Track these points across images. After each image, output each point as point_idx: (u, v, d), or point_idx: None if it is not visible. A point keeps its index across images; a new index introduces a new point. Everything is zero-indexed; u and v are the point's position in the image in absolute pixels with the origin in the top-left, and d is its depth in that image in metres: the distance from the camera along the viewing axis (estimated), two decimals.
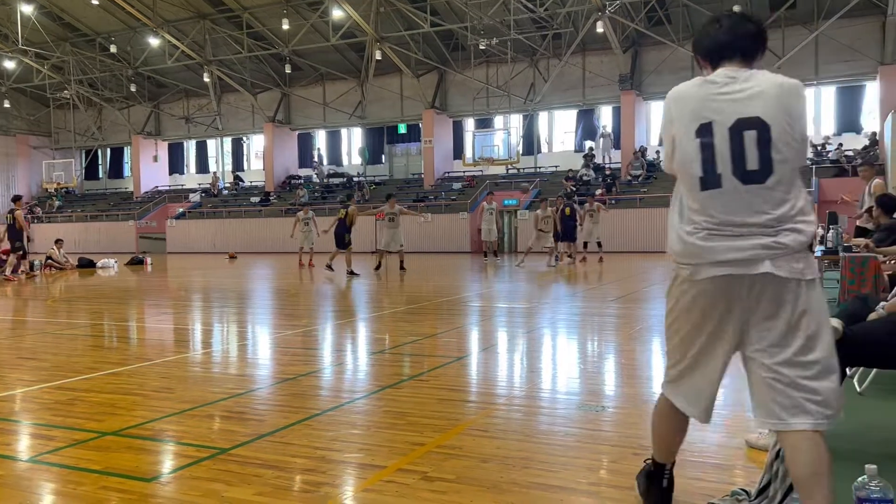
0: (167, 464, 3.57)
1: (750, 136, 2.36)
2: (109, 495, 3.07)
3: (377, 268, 16.97)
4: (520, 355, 6.54)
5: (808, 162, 25.96)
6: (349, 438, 3.84)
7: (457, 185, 30.99)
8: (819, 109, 27.83)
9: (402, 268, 16.94)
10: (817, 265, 2.51)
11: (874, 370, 4.43)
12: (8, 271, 16.70)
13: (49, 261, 20.20)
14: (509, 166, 30.88)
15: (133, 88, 34.60)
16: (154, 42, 31.48)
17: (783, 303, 2.33)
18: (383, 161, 35.06)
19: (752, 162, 2.36)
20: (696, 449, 3.43)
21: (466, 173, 31.68)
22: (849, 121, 27.18)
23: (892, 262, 6.41)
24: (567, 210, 19.24)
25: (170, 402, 4.67)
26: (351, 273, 15.57)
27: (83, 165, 41.66)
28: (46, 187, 39.25)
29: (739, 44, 2.54)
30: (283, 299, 12.03)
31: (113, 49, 32.02)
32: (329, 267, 16.77)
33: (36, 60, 33.64)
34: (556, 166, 30.66)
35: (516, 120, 31.54)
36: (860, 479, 2.43)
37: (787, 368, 2.32)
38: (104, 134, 39.06)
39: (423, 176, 32.36)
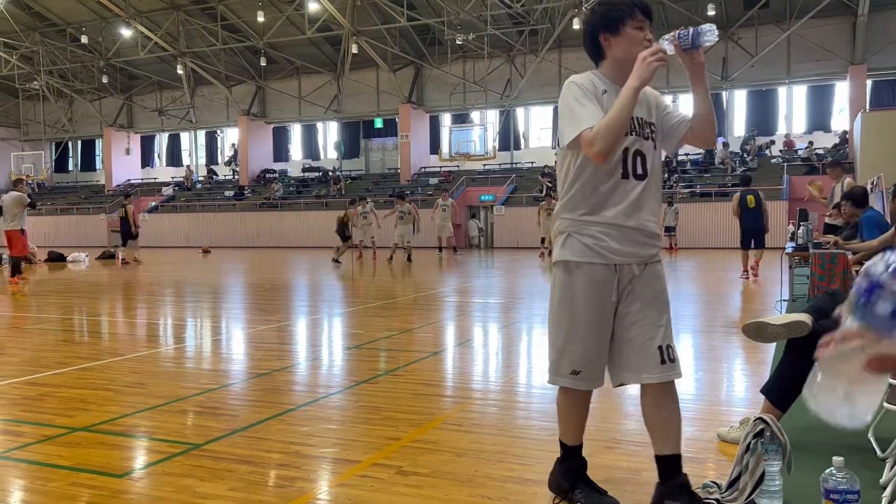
0: (139, 460, 3.53)
1: None
2: (80, 492, 3.03)
3: (389, 259, 19.01)
4: (495, 350, 6.56)
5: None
6: (324, 433, 3.83)
7: (433, 181, 30.97)
8: (791, 108, 28.24)
9: (409, 259, 18.96)
10: (566, 249, 2.67)
11: None
12: (135, 255, 19.69)
13: None
14: (485, 163, 30.95)
15: (105, 80, 34.04)
16: (126, 33, 31.02)
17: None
18: (359, 155, 34.93)
19: None
20: None
21: (443, 168, 31.67)
22: (820, 119, 27.60)
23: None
24: None
25: (142, 397, 4.62)
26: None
27: (53, 158, 40.95)
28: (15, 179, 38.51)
29: None
30: (257, 294, 11.95)
31: (84, 39, 31.48)
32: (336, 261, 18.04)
33: (4, 50, 32.97)
34: (532, 162, 30.75)
35: (493, 115, 31.58)
36: (827, 470, 2.47)
37: None
38: (75, 126, 38.42)
39: (399, 171, 32.30)
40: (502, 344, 6.85)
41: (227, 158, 37.42)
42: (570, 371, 2.67)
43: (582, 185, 2.60)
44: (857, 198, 7.55)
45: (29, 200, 13.90)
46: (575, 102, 2.55)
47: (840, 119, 26.94)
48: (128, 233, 19.37)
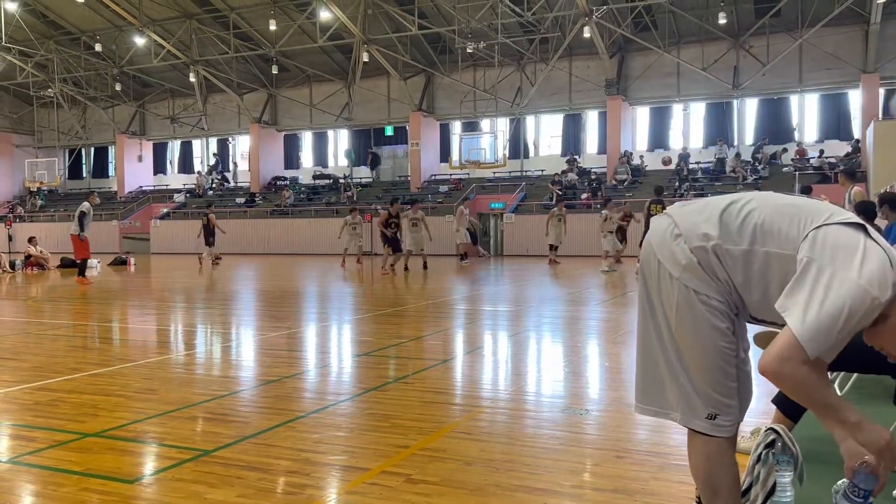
0: (149, 465, 3.55)
1: None
2: (91, 497, 3.05)
3: (405, 268, 18.50)
4: (504, 358, 6.55)
5: (792, 168, 26.25)
6: (333, 441, 3.83)
7: (443, 188, 31.01)
8: (802, 116, 28.12)
9: (424, 267, 18.39)
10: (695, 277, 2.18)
11: (855, 374, 4.48)
12: (213, 258, 22.51)
13: (31, 258, 20.11)
14: (495, 171, 30.99)
15: (118, 87, 34.30)
16: (140, 41, 31.27)
17: None
18: (369, 163, 35.02)
19: None
20: (680, 452, 3.44)
21: (453, 176, 31.71)
22: (832, 128, 27.45)
23: None
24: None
25: (152, 403, 4.64)
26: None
27: (67, 164, 41.27)
28: (29, 186, 38.85)
29: None
30: (267, 301, 11.98)
31: (98, 48, 31.76)
32: (390, 269, 18.00)
33: (19, 58, 33.30)
34: (542, 170, 30.76)
35: (503, 123, 31.62)
36: (840, 482, 2.46)
37: None
38: (88, 133, 38.72)
39: (409, 178, 32.37)
40: (511, 352, 6.83)
41: (207, 168, 37.64)
42: (707, 415, 2.24)
43: (751, 291, 2.18)
44: (868, 212, 6.94)
45: (80, 212, 14.94)
46: (836, 312, 1.91)
47: (856, 127, 26.75)
48: (209, 238, 22.26)
